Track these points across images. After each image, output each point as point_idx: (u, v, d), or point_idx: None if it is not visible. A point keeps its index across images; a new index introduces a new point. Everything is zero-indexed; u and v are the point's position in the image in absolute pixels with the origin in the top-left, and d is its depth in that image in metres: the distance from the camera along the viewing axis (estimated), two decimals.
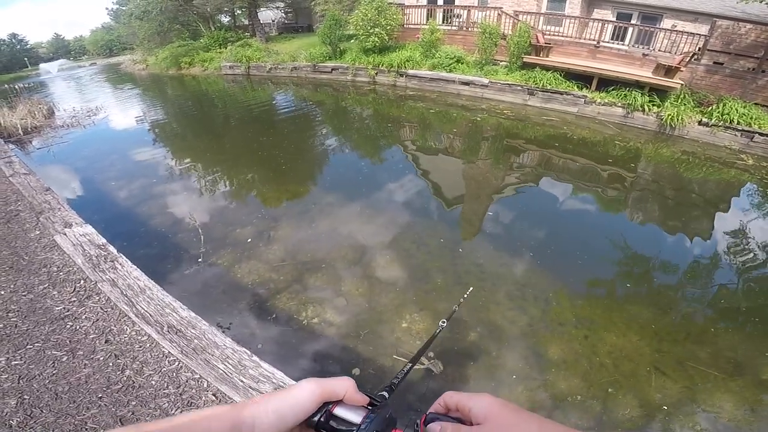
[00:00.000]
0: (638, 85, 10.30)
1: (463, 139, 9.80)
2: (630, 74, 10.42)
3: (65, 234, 3.79)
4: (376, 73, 15.17)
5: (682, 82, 9.91)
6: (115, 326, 2.74)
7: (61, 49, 72.67)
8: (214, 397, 2.22)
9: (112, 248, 3.59)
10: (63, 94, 20.71)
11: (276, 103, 14.12)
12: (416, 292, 4.17)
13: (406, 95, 13.71)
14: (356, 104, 13.45)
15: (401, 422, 0.57)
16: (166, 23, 23.98)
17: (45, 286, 3.15)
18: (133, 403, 2.19)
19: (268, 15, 30.43)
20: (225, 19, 27.88)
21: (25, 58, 58.36)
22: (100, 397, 2.23)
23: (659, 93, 10.05)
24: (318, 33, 17.54)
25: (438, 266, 4.60)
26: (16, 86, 16.44)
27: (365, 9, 14.58)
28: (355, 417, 0.53)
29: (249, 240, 5.11)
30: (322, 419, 0.52)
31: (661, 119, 9.65)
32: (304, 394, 0.52)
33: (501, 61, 13.09)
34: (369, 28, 14.54)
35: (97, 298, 3.00)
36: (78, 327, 2.73)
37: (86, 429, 2.04)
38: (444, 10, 16.05)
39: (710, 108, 9.38)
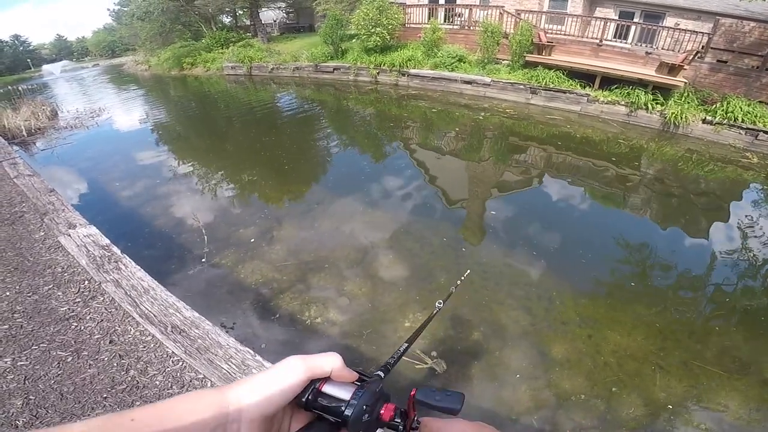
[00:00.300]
0: (641, 84, 10.25)
1: (466, 138, 9.79)
2: (633, 73, 10.38)
3: (69, 235, 3.80)
4: (378, 73, 15.16)
5: (686, 81, 9.87)
6: (119, 326, 2.75)
7: (63, 51, 73.01)
8: None
9: (116, 249, 3.60)
10: (66, 95, 20.81)
11: (278, 104, 14.14)
12: (419, 291, 4.16)
13: (408, 95, 13.70)
14: (358, 104, 13.45)
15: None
16: (168, 24, 24.03)
17: (50, 287, 3.17)
18: (138, 403, 2.20)
19: (269, 15, 30.45)
20: (226, 20, 27.92)
21: (28, 60, 58.67)
22: (105, 398, 2.24)
23: (663, 91, 10.00)
24: (319, 33, 17.56)
25: (441, 265, 4.60)
26: (20, 88, 16.58)
27: (366, 8, 14.57)
28: (344, 394, 0.51)
29: (252, 240, 5.12)
30: (310, 397, 0.50)
31: (665, 117, 9.61)
32: (290, 372, 0.50)
33: (503, 60, 13.06)
34: (370, 27, 14.54)
35: (102, 298, 3.01)
36: (83, 327, 2.74)
37: None
38: (446, 9, 16.02)
39: (714, 106, 9.33)
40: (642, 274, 4.73)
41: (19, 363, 2.46)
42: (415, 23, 15.90)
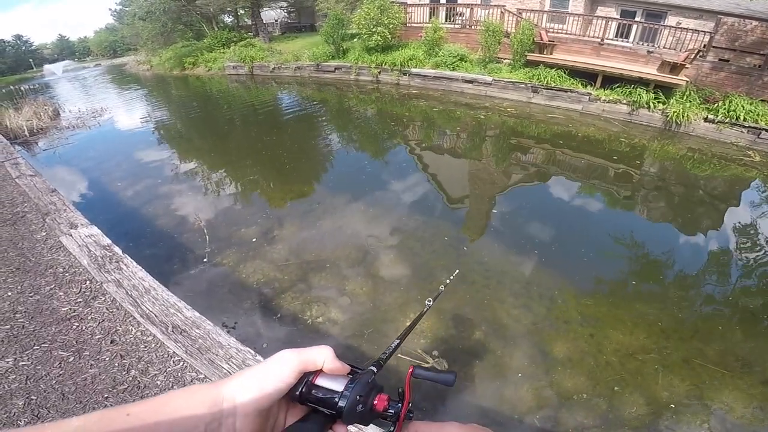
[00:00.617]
0: (643, 83, 10.23)
1: (467, 137, 9.79)
2: (635, 71, 10.37)
3: (71, 235, 3.81)
4: (379, 72, 15.15)
5: (688, 79, 9.85)
6: (120, 327, 2.75)
7: (65, 50, 73.12)
8: None
9: (117, 249, 3.60)
10: (68, 95, 20.83)
11: (280, 103, 14.15)
12: (420, 291, 4.16)
13: (410, 94, 13.69)
14: (360, 103, 13.44)
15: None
16: (170, 24, 24.02)
17: (51, 287, 3.17)
18: None
19: (270, 15, 30.47)
20: (228, 19, 27.93)
21: (30, 60, 58.75)
22: (106, 398, 2.24)
23: (664, 90, 9.99)
24: (321, 32, 17.55)
25: (442, 264, 4.60)
26: (22, 88, 16.59)
27: (368, 8, 14.56)
28: (337, 386, 0.51)
29: (254, 240, 5.12)
30: (303, 390, 0.51)
31: (667, 116, 9.59)
32: (283, 365, 0.50)
33: (504, 59, 13.04)
34: (372, 26, 14.53)
35: (103, 298, 3.02)
36: (84, 327, 2.75)
37: None
38: (447, 8, 16.03)
39: (716, 105, 9.32)
40: (644, 273, 4.72)
41: (20, 363, 2.46)
42: (417, 22, 15.90)
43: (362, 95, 14.22)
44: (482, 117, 10.97)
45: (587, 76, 11.22)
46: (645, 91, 10.01)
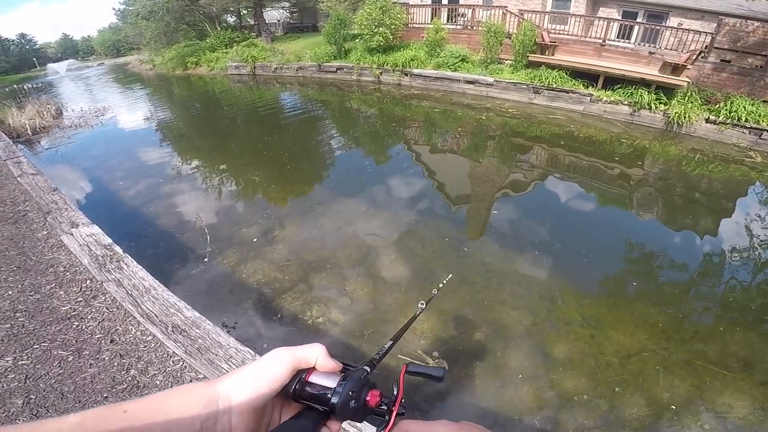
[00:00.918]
0: (645, 83, 10.22)
1: (469, 138, 9.78)
2: (636, 72, 10.35)
3: (72, 234, 3.82)
4: (381, 73, 15.15)
5: (689, 80, 9.83)
6: (120, 326, 2.75)
7: (69, 50, 73.28)
8: None
9: (117, 248, 3.61)
10: (71, 94, 20.87)
11: (281, 103, 14.15)
12: (421, 292, 4.15)
13: (411, 94, 13.69)
14: (361, 104, 13.45)
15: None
16: (173, 23, 24.00)
17: (52, 286, 3.18)
18: None
19: (273, 15, 30.49)
20: (231, 19, 27.93)
21: (34, 59, 58.85)
22: (105, 397, 2.24)
23: (666, 91, 9.97)
24: (323, 33, 17.55)
25: (443, 265, 4.59)
26: (25, 86, 16.63)
27: (370, 8, 14.56)
28: (330, 383, 0.52)
29: (255, 239, 5.12)
30: (297, 387, 0.52)
31: (668, 117, 9.58)
32: (276, 363, 0.51)
33: (506, 59, 13.04)
34: (373, 27, 14.53)
35: (103, 298, 3.02)
36: (84, 327, 2.75)
37: None
38: (448, 9, 16.04)
39: (718, 106, 9.30)
40: (645, 274, 4.71)
41: (20, 362, 2.46)
42: (418, 23, 15.89)
43: (364, 96, 14.23)
44: (483, 118, 10.96)
45: (589, 77, 11.20)
46: (646, 92, 10.00)
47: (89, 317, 2.83)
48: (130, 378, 2.36)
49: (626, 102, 10.26)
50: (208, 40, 23.14)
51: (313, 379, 0.53)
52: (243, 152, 9.14)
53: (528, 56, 12.11)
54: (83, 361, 2.48)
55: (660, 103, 9.87)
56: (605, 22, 12.20)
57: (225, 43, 22.33)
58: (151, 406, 0.45)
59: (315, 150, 9.22)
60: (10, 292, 3.09)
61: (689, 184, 7.35)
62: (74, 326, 2.76)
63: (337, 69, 16.54)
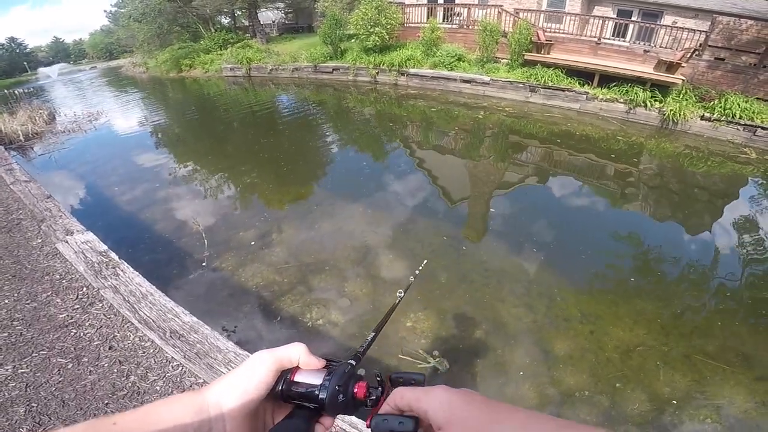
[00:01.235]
0: (640, 81, 10.25)
1: (466, 137, 9.78)
2: (631, 70, 10.38)
3: (67, 242, 3.79)
4: (377, 73, 15.14)
5: (684, 78, 9.88)
6: (118, 332, 2.73)
7: (60, 53, 72.97)
8: None
9: (113, 255, 3.59)
10: (64, 98, 20.74)
11: (278, 105, 14.12)
12: (420, 291, 4.15)
13: (408, 94, 13.69)
14: (358, 104, 13.43)
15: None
16: (165, 25, 23.81)
17: (48, 294, 3.15)
18: None
19: (268, 16, 30.42)
20: (225, 21, 27.84)
21: (25, 63, 58.55)
22: (107, 404, 2.23)
23: (661, 89, 10.01)
24: (318, 33, 17.51)
25: (442, 265, 4.59)
26: (16, 91, 16.47)
27: (365, 8, 14.55)
28: (315, 380, 0.53)
29: (252, 243, 5.10)
30: (284, 387, 0.53)
31: (664, 114, 9.62)
32: (260, 366, 0.52)
33: (502, 58, 13.04)
34: (369, 27, 14.50)
35: (100, 305, 3.00)
36: (82, 334, 2.73)
37: None
38: (444, 8, 16.02)
39: (712, 103, 9.34)
40: (643, 270, 4.72)
41: (20, 371, 2.44)
42: (414, 23, 15.88)
43: (360, 96, 14.21)
44: (480, 116, 10.97)
45: (584, 75, 11.23)
46: (642, 90, 10.04)
47: (87, 324, 2.81)
48: (130, 384, 2.35)
49: (622, 100, 10.29)
50: (202, 42, 23.00)
51: (299, 378, 0.54)
52: (239, 155, 9.10)
53: (524, 55, 12.12)
54: (83, 368, 2.46)
55: (655, 100, 9.91)
56: (600, 21, 12.22)
57: (219, 44, 22.22)
58: (140, 417, 0.45)
59: (312, 151, 9.20)
60: (6, 301, 3.07)
61: (685, 181, 7.38)
62: (72, 333, 2.74)
63: (333, 69, 16.51)
